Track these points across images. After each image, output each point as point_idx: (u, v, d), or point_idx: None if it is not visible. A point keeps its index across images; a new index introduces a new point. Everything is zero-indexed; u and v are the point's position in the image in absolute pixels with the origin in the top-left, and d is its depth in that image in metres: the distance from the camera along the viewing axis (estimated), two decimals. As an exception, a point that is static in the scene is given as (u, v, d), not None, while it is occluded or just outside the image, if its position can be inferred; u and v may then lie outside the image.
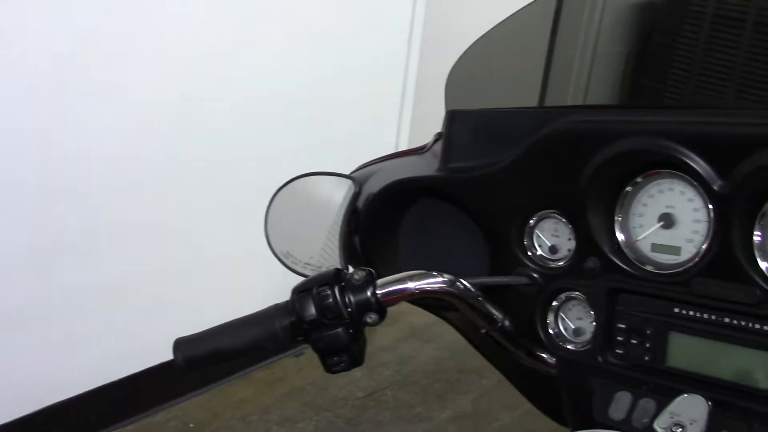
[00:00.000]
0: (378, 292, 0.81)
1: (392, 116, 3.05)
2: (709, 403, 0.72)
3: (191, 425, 2.58)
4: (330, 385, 2.85)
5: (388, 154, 1.06)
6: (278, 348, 0.83)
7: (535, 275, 0.90)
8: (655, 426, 0.71)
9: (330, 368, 0.82)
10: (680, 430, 0.70)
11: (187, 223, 2.45)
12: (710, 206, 0.76)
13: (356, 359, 0.82)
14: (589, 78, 0.95)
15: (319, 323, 0.79)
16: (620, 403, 0.83)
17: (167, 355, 0.85)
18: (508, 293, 0.92)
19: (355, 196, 0.97)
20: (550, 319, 0.90)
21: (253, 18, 2.41)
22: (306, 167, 1.02)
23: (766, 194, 0.74)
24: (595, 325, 0.85)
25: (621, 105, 0.86)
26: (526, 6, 0.89)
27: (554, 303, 0.90)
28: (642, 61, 0.96)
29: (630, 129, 0.78)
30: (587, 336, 0.87)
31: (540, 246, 0.90)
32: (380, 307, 0.81)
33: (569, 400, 0.89)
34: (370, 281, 0.81)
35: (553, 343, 0.90)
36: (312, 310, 0.79)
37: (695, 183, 0.77)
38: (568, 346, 0.89)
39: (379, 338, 3.26)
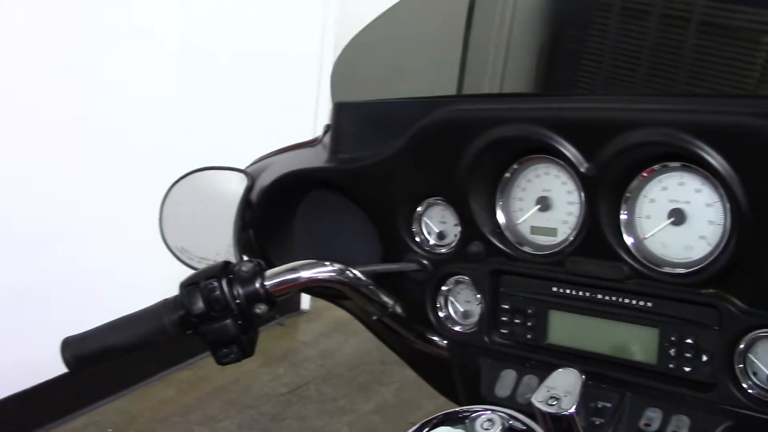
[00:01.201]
0: (267, 283, 0.82)
1: (309, 106, 3.04)
2: (583, 376, 0.75)
3: (110, 430, 2.54)
4: (253, 383, 2.84)
5: (282, 148, 1.07)
6: (168, 342, 0.83)
7: (424, 261, 0.92)
8: (533, 400, 0.74)
9: (220, 360, 0.82)
10: (555, 402, 0.73)
11: (88, 224, 2.40)
12: (580, 188, 0.79)
13: (246, 350, 0.83)
14: (474, 68, 0.98)
15: (207, 316, 0.80)
16: (506, 381, 0.86)
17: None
18: (399, 279, 0.94)
19: (248, 190, 0.97)
20: (440, 303, 0.93)
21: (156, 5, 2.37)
22: (218, 161, 1.02)
23: (631, 175, 0.77)
24: (481, 307, 0.88)
25: (498, 94, 0.89)
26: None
27: (443, 287, 0.92)
28: (524, 51, 1.00)
29: (504, 117, 0.81)
30: (475, 318, 0.90)
31: (428, 233, 0.93)
32: (269, 297, 0.82)
33: (460, 380, 0.91)
34: (258, 273, 0.82)
35: (443, 326, 0.92)
36: (200, 304, 0.79)
37: (566, 167, 0.80)
38: (457, 329, 0.91)
39: (303, 333, 3.27)
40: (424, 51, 0.98)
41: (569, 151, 0.78)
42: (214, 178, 1.01)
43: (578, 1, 1.05)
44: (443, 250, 0.92)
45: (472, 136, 0.82)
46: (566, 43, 0.99)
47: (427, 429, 0.71)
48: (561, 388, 0.75)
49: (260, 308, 0.82)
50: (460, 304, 0.92)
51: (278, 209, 0.99)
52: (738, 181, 0.68)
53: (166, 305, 0.82)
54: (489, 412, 0.69)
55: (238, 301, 0.80)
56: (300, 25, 2.94)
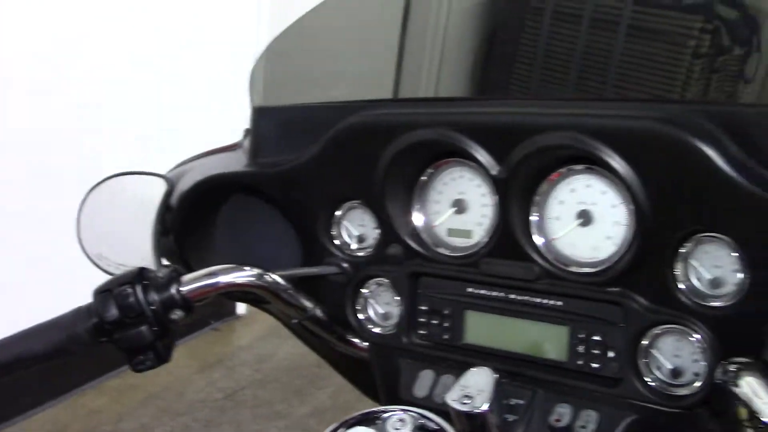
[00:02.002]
0: (183, 288, 0.81)
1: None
2: (496, 375, 0.77)
3: (39, 441, 2.48)
4: (187, 389, 2.81)
5: (204, 152, 1.06)
6: (85, 349, 0.82)
7: (344, 264, 0.93)
8: (446, 399, 0.75)
9: (135, 367, 0.82)
10: (469, 400, 0.74)
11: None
12: (492, 191, 0.81)
13: (162, 356, 0.82)
14: (394, 71, 0.99)
15: (122, 323, 0.79)
16: (424, 381, 0.87)
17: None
18: (320, 283, 0.94)
19: (167, 195, 0.97)
20: (360, 305, 0.93)
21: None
22: (145, 162, 1.01)
23: (540, 178, 0.80)
24: (400, 309, 0.89)
25: (414, 98, 0.90)
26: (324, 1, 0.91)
27: (363, 290, 0.93)
28: (441, 56, 1.01)
29: (418, 121, 0.83)
30: (394, 319, 0.91)
31: (348, 236, 0.94)
32: (186, 303, 0.81)
33: (381, 381, 0.92)
34: (174, 278, 0.81)
35: (363, 328, 0.93)
36: (113, 311, 0.78)
37: (479, 170, 0.82)
38: (376, 330, 0.92)
39: (239, 338, 3.25)
40: (344, 54, 0.99)
41: (481, 154, 0.79)
42: (133, 184, 1.00)
43: (497, 8, 1.07)
44: (362, 253, 0.92)
45: (386, 140, 0.83)
46: (481, 48, 1.01)
47: (342, 429, 0.71)
48: (474, 387, 0.76)
49: (176, 314, 0.81)
50: (380, 306, 0.93)
51: (198, 214, 0.98)
52: (639, 184, 0.71)
53: (79, 313, 0.81)
54: (401, 412, 0.70)
55: (153, 308, 0.80)
56: (234, 18, 2.88)
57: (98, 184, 1.00)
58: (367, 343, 0.94)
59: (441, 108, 0.86)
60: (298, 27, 0.94)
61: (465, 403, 0.74)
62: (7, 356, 0.82)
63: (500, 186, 0.80)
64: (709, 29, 0.91)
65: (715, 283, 0.72)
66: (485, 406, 0.74)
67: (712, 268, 0.72)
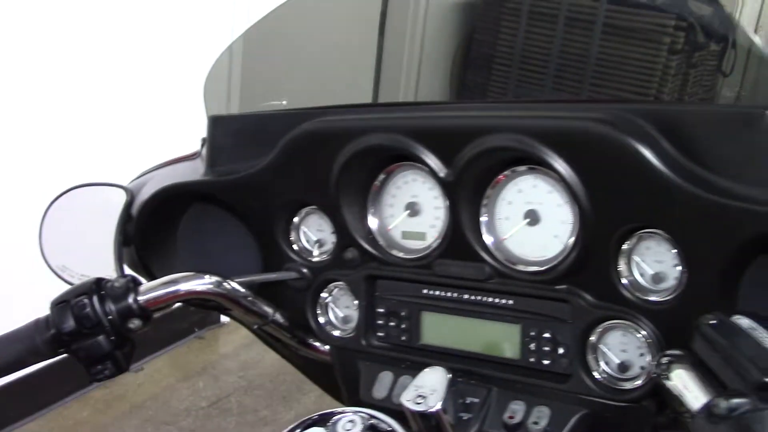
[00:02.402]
0: (140, 298, 0.82)
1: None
2: (449, 374, 0.78)
3: (23, 454, 2.48)
4: (172, 398, 2.81)
5: (165, 161, 1.07)
6: (44, 359, 0.82)
7: (303, 269, 0.94)
8: (401, 399, 0.76)
9: (94, 377, 0.82)
10: (422, 400, 0.75)
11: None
12: (443, 194, 0.82)
13: (120, 366, 0.83)
14: (347, 78, 1.00)
15: (79, 333, 0.80)
16: (383, 382, 0.88)
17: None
18: (281, 288, 0.95)
19: (128, 205, 0.97)
20: (321, 309, 0.94)
21: None
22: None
23: (488, 180, 0.81)
24: (358, 312, 0.91)
25: (366, 104, 0.91)
26: (276, 8, 0.92)
27: (323, 294, 0.94)
28: (393, 63, 1.02)
29: (369, 126, 0.84)
30: (354, 322, 0.92)
31: (307, 241, 0.95)
32: (143, 312, 0.82)
33: (343, 383, 0.93)
34: (131, 288, 0.82)
35: (324, 332, 0.94)
36: (70, 322, 0.79)
37: (430, 173, 0.83)
38: (336, 333, 0.93)
39: (223, 345, 3.24)
40: (296, 63, 1.00)
41: (429, 158, 0.81)
42: (93, 195, 1.01)
43: (444, 17, 1.08)
44: (321, 258, 0.93)
45: (339, 146, 0.84)
46: (430, 55, 1.02)
47: (299, 430, 0.72)
48: (428, 387, 0.77)
49: (134, 323, 0.82)
50: (340, 310, 0.94)
51: (159, 224, 0.99)
52: (579, 183, 0.72)
53: (38, 324, 0.81)
54: (351, 413, 0.71)
55: (110, 318, 0.80)
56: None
57: (59, 195, 1.01)
58: (328, 347, 0.95)
59: (391, 113, 0.87)
60: (248, 37, 0.95)
61: (418, 403, 0.76)
62: None
63: (449, 188, 0.81)
64: (673, 30, 0.92)
65: (657, 278, 0.73)
66: (438, 406, 0.75)
67: (653, 263, 0.73)
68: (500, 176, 0.81)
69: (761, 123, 0.62)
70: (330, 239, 0.93)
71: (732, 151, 0.64)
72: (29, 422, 2.61)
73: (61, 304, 0.80)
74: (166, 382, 2.90)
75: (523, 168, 0.79)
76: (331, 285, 0.94)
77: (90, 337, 0.80)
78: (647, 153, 0.68)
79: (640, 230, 0.72)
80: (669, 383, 0.60)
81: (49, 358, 0.82)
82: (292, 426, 0.73)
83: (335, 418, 0.71)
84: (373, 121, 0.84)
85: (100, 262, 0.98)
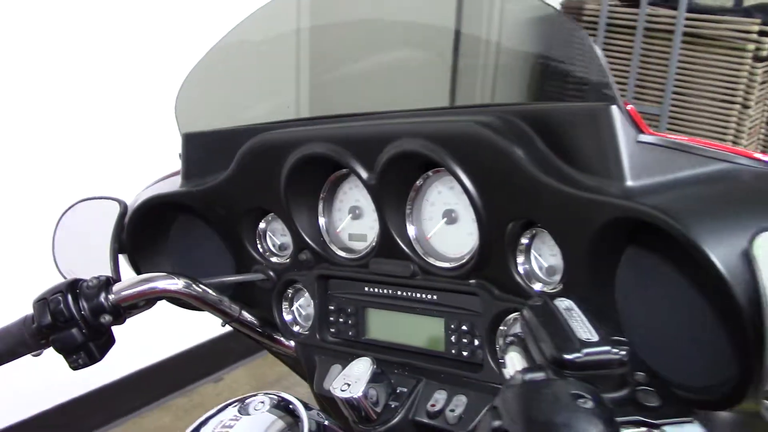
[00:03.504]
0: (112, 296, 0.92)
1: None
2: (374, 365, 0.84)
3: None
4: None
5: (166, 175, 1.17)
6: (31, 350, 0.93)
7: (269, 271, 1.02)
8: (330, 387, 0.83)
9: (71, 365, 0.92)
10: (347, 387, 0.82)
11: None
12: (370, 196, 0.88)
13: (94, 356, 0.92)
14: (295, 94, 1.07)
15: (55, 327, 0.90)
16: (333, 374, 0.95)
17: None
18: (251, 289, 1.04)
19: (121, 216, 1.08)
20: (285, 307, 1.02)
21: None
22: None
23: (408, 182, 0.86)
24: (314, 310, 0.98)
25: (308, 118, 0.97)
26: (238, 24, 1.00)
27: (288, 293, 1.02)
28: (330, 77, 1.08)
29: (306, 137, 0.90)
30: (312, 320, 0.99)
31: (272, 245, 1.03)
32: (115, 309, 0.92)
33: (306, 374, 1.00)
34: (103, 287, 0.92)
35: (287, 329, 1.02)
36: (48, 317, 0.90)
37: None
38: (297, 329, 1.01)
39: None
40: (252, 81, 1.08)
41: (355, 163, 0.87)
42: (95, 207, 1.12)
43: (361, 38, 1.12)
44: (282, 261, 1.01)
45: (283, 157, 0.92)
46: (360, 70, 1.07)
47: (226, 408, 0.80)
48: (353, 376, 0.84)
49: (105, 318, 0.92)
50: (302, 308, 1.02)
51: (148, 232, 1.09)
52: (471, 183, 0.77)
53: (25, 320, 0.93)
54: (262, 394, 0.78)
55: (82, 313, 0.90)
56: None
57: (67, 209, 1.13)
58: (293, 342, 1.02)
59: (325, 125, 0.93)
60: (212, 56, 1.03)
61: (343, 390, 0.82)
62: None
63: (374, 191, 0.87)
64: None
65: (551, 270, 0.77)
66: (359, 393, 0.81)
67: (549, 257, 0.77)
68: (419, 179, 0.86)
69: (604, 118, 0.65)
70: (292, 243, 1.00)
71: (586, 145, 0.67)
72: (112, 428, 2.79)
73: (40, 301, 0.91)
74: (243, 391, 3.03)
75: (434, 172, 0.84)
76: (293, 285, 1.01)
77: (65, 330, 0.91)
78: (517, 152, 0.71)
79: (533, 226, 0.76)
80: (506, 363, 0.64)
81: (35, 350, 0.93)
82: (221, 405, 0.81)
83: (249, 400, 0.78)
84: (309, 133, 0.91)
85: (102, 266, 1.10)
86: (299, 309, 1.02)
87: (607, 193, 0.64)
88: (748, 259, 0.53)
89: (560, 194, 0.68)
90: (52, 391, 2.62)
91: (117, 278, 1.06)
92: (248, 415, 0.77)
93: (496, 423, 0.50)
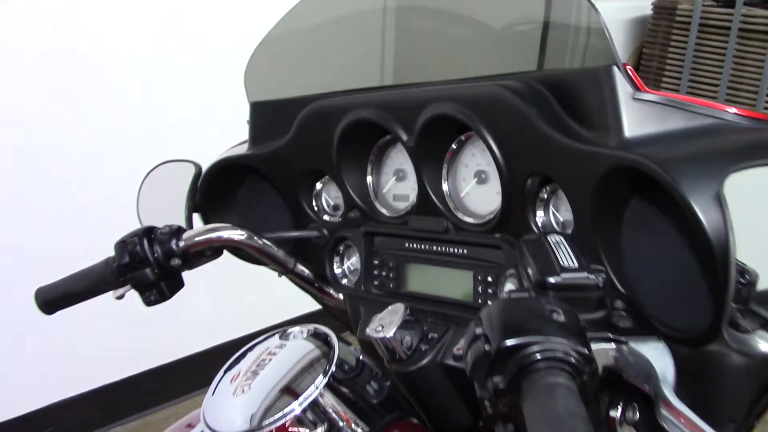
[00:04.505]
0: (182, 242, 1.04)
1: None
2: (408, 310, 0.92)
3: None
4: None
5: (236, 144, 1.29)
6: (111, 287, 1.06)
7: (323, 229, 1.12)
8: (367, 329, 0.92)
9: (144, 301, 1.05)
10: (381, 328, 0.90)
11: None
12: (410, 158, 0.97)
13: (164, 294, 1.04)
14: (350, 66, 1.15)
15: (131, 266, 1.02)
16: (374, 323, 1.03)
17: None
18: (306, 245, 1.14)
19: (196, 178, 1.20)
20: (337, 262, 1.12)
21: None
22: None
23: (445, 145, 0.94)
24: (360, 264, 1.07)
25: (359, 89, 1.05)
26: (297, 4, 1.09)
27: (339, 249, 1.11)
28: (377, 50, 1.15)
29: (354, 104, 0.99)
30: (359, 274, 1.08)
31: (327, 205, 1.13)
32: (183, 253, 1.04)
33: (352, 322, 1.10)
34: (175, 233, 1.04)
35: (336, 281, 1.11)
36: (125, 257, 1.02)
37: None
38: (345, 282, 1.10)
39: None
40: (315, 53, 1.17)
41: (396, 128, 0.95)
42: (176, 169, 1.24)
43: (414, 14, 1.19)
44: (334, 219, 1.11)
45: (336, 122, 1.01)
46: (406, 45, 1.15)
47: (262, 338, 0.90)
48: (387, 320, 0.92)
49: (175, 261, 1.04)
50: (350, 264, 1.11)
51: (217, 193, 1.20)
52: (494, 143, 0.84)
53: (108, 260, 1.06)
54: (299, 326, 0.88)
55: (156, 255, 1.02)
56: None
57: (153, 168, 1.26)
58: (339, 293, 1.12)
59: (372, 94, 1.02)
60: (277, 32, 1.13)
61: (378, 331, 0.91)
62: (59, 293, 1.08)
63: (413, 153, 0.95)
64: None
65: (566, 225, 0.83)
66: (391, 334, 0.89)
67: (564, 212, 0.83)
68: (455, 143, 0.94)
69: (605, 77, 0.71)
70: (343, 204, 1.10)
71: (591, 103, 0.73)
72: (165, 408, 2.94)
73: (120, 244, 1.04)
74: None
75: (466, 136, 0.92)
76: (343, 242, 1.11)
77: (140, 269, 1.03)
78: (532, 113, 0.78)
79: (550, 183, 0.83)
80: (503, 292, 0.70)
81: (115, 287, 1.06)
82: (268, 334, 0.91)
83: (289, 330, 0.88)
84: (357, 100, 0.99)
85: (177, 220, 1.21)
86: (348, 264, 1.12)
87: (606, 145, 0.70)
88: (719, 200, 0.59)
89: (568, 149, 0.74)
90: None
91: (189, 228, 1.18)
92: (288, 341, 0.86)
93: (478, 330, 0.58)
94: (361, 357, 0.89)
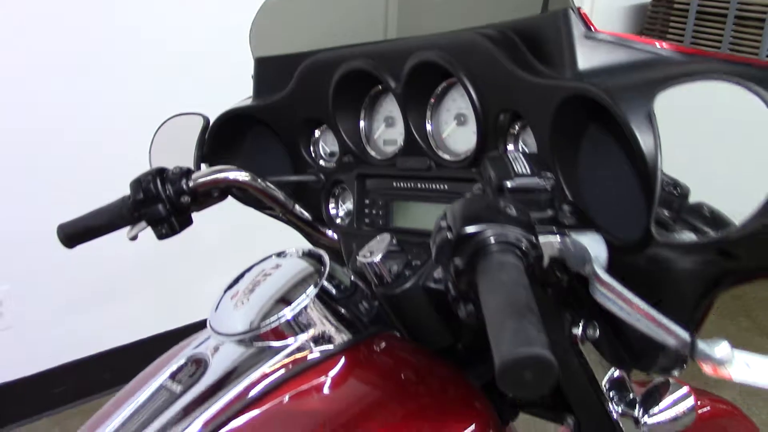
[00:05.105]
0: (191, 182, 1.14)
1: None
2: (394, 239, 1.02)
3: None
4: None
5: (242, 99, 1.39)
6: (127, 223, 1.17)
7: (320, 174, 1.22)
8: (357, 256, 1.02)
9: (156, 234, 1.15)
10: (370, 254, 1.00)
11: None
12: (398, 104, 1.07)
13: (174, 228, 1.15)
14: (343, 23, 1.24)
15: (145, 202, 1.13)
16: (364, 250, 1.13)
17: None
18: (303, 189, 1.24)
19: (205, 128, 1.31)
20: (332, 204, 1.22)
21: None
22: None
23: (429, 90, 1.04)
24: (353, 204, 1.17)
25: (353, 44, 1.16)
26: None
27: (334, 191, 1.22)
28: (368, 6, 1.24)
29: (348, 56, 1.10)
30: (352, 213, 1.19)
31: (323, 152, 1.23)
32: (192, 192, 1.14)
33: (345, 259, 1.20)
34: (184, 174, 1.14)
35: (331, 221, 1.22)
36: (140, 193, 1.13)
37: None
38: (339, 222, 1.21)
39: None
40: (315, 9, 1.27)
41: (384, 75, 1.05)
42: (186, 121, 1.35)
43: None
44: (330, 164, 1.21)
45: (330, 73, 1.12)
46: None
47: (262, 260, 1.00)
48: (375, 248, 1.02)
49: (184, 199, 1.14)
50: (345, 204, 1.22)
51: (224, 142, 1.31)
52: (469, 83, 0.94)
53: (124, 198, 1.16)
54: (294, 248, 0.99)
55: (167, 192, 1.13)
56: None
57: (165, 121, 1.37)
58: (335, 236, 1.22)
59: (365, 47, 1.12)
60: None
61: (365, 257, 1.01)
62: (80, 228, 1.19)
63: (400, 99, 1.05)
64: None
65: (532, 157, 0.93)
66: (377, 259, 0.99)
67: (531, 145, 0.93)
68: (439, 88, 1.04)
69: (562, 19, 0.81)
70: (338, 150, 1.20)
71: (551, 44, 0.84)
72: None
73: (135, 182, 1.14)
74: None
75: (448, 83, 1.02)
76: (338, 186, 1.21)
77: (153, 205, 1.13)
78: (502, 55, 0.88)
79: (519, 120, 0.93)
80: None
81: (130, 222, 1.16)
82: (269, 255, 1.01)
83: (285, 251, 0.99)
84: (351, 51, 1.09)
85: (187, 169, 1.32)
86: (342, 206, 1.22)
87: (563, 77, 0.80)
88: (650, 117, 0.69)
89: (533, 84, 0.84)
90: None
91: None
92: (283, 260, 0.97)
93: (443, 223, 0.68)
94: (353, 278, 1.00)
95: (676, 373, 0.96)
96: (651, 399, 0.99)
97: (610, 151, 0.79)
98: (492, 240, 0.64)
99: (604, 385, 1.06)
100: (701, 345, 0.63)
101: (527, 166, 0.75)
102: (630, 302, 0.67)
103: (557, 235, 0.72)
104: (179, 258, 2.89)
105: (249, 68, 1.29)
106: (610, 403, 1.02)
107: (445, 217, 0.69)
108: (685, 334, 0.65)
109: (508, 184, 0.72)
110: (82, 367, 2.84)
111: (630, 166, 0.77)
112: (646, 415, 0.99)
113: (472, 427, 0.86)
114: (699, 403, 1.36)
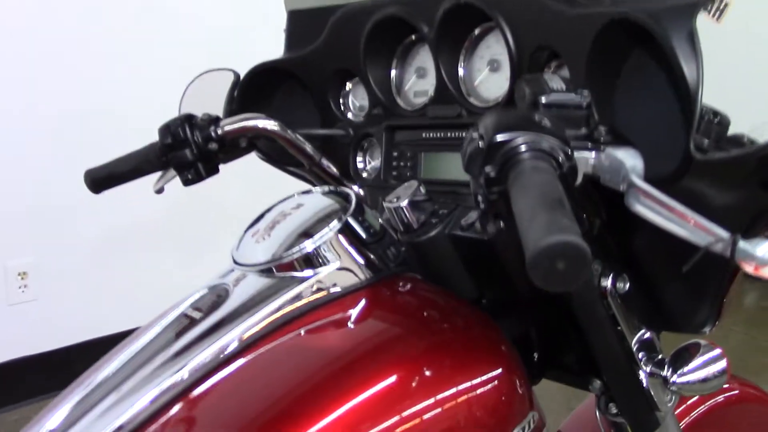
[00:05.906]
0: (219, 129, 1.13)
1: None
2: (422, 187, 1.00)
3: None
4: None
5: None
6: (154, 168, 1.16)
7: (348, 128, 1.21)
8: (384, 201, 1.00)
9: (182, 179, 1.14)
10: (396, 200, 0.98)
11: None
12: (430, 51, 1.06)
13: (200, 174, 1.14)
14: None
15: (173, 146, 1.12)
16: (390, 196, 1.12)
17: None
18: (332, 143, 1.23)
19: (235, 84, 1.30)
20: (360, 158, 1.21)
21: None
22: None
23: (462, 37, 1.03)
24: (381, 157, 1.16)
25: None
26: None
27: (363, 144, 1.21)
28: None
29: (380, 4, 1.09)
30: (379, 166, 1.17)
31: (353, 106, 1.22)
32: (220, 139, 1.13)
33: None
34: (213, 121, 1.14)
35: (358, 174, 1.21)
36: (168, 137, 1.12)
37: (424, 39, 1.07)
38: (365, 176, 1.19)
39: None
40: None
41: (419, 23, 1.04)
42: (216, 77, 1.34)
43: None
44: (359, 118, 1.20)
45: (362, 23, 1.11)
46: None
47: (293, 196, 0.99)
48: (402, 194, 1.00)
49: (212, 145, 1.13)
50: (373, 158, 1.20)
51: (254, 96, 1.30)
52: (504, 22, 0.93)
53: (152, 144, 1.16)
54: (319, 187, 0.98)
55: (195, 138, 1.12)
56: None
57: (196, 77, 1.36)
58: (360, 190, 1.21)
59: None
60: None
61: (391, 202, 0.99)
62: (106, 173, 1.19)
63: (432, 44, 1.04)
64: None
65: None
66: (403, 204, 0.98)
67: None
68: (473, 34, 1.03)
69: None
70: (368, 104, 1.19)
71: None
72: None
73: (164, 127, 1.13)
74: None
75: (481, 28, 1.00)
76: (366, 139, 1.20)
77: (180, 149, 1.13)
78: None
79: (555, 59, 0.91)
80: None
81: (158, 168, 1.16)
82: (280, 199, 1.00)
83: (310, 189, 0.98)
84: (381, 2, 1.09)
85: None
86: (370, 161, 1.21)
87: (602, 4, 0.79)
88: (692, 35, 0.67)
89: (569, 16, 0.83)
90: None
91: None
92: (308, 198, 0.96)
93: (475, 134, 0.67)
94: (383, 222, 0.98)
95: (707, 330, 0.93)
96: (681, 359, 0.95)
97: (647, 78, 0.77)
98: (524, 147, 0.62)
99: (633, 345, 1.03)
100: (743, 244, 0.61)
101: (562, 84, 0.73)
102: (670, 207, 0.65)
103: (592, 152, 0.70)
104: (208, 241, 2.90)
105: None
106: (639, 363, 0.99)
107: (477, 128, 0.67)
108: (726, 235, 0.63)
109: (543, 99, 0.71)
110: (105, 344, 2.85)
111: (669, 92, 0.75)
112: (675, 375, 0.96)
113: (499, 370, 0.84)
114: (728, 385, 1.32)
